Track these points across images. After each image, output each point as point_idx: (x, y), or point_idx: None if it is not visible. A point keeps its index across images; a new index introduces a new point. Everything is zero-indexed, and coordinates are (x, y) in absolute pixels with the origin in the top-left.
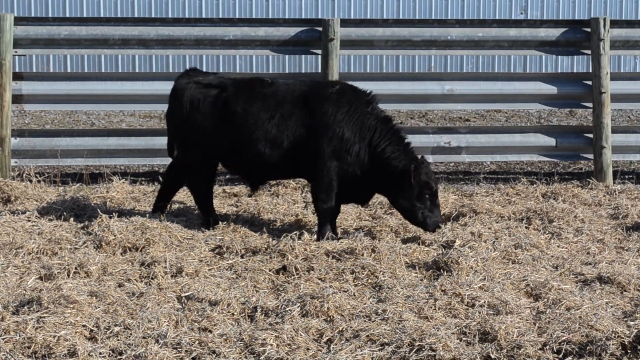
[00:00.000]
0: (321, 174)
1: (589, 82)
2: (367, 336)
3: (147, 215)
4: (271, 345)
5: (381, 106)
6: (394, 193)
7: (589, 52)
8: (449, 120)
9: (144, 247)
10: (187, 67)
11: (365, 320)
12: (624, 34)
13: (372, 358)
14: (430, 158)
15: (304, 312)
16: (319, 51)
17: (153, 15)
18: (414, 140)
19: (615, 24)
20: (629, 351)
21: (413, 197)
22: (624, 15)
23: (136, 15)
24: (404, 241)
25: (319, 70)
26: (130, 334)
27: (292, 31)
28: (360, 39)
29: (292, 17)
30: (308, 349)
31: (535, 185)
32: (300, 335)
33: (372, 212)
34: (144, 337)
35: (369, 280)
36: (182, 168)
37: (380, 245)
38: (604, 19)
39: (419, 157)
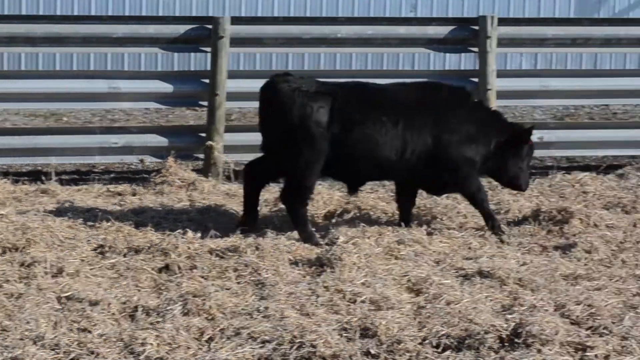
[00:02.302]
0: (467, 178)
1: (476, 80)
2: (248, 334)
3: (29, 215)
4: (151, 344)
5: None
6: (501, 164)
7: (476, 49)
8: None
9: (24, 247)
10: (278, 71)
11: (246, 318)
12: (511, 31)
13: (253, 355)
14: None
15: (186, 310)
16: (209, 49)
17: (41, 13)
18: None
19: (502, 22)
20: (506, 344)
21: (522, 161)
22: (511, 13)
23: (23, 13)
24: (288, 238)
25: (208, 68)
26: (7, 336)
27: (181, 29)
28: (250, 36)
29: (183, 14)
30: (189, 348)
31: None
32: (181, 334)
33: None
34: (21, 339)
35: (252, 278)
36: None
37: (264, 243)
38: (492, 17)
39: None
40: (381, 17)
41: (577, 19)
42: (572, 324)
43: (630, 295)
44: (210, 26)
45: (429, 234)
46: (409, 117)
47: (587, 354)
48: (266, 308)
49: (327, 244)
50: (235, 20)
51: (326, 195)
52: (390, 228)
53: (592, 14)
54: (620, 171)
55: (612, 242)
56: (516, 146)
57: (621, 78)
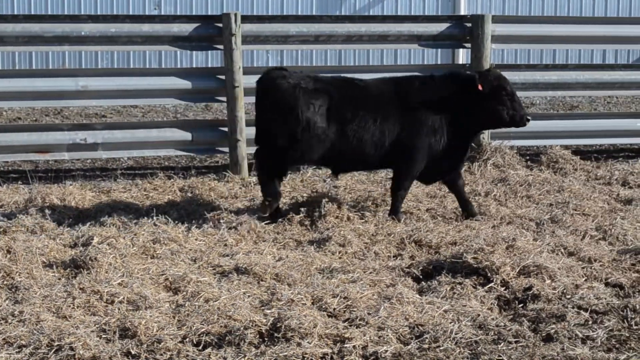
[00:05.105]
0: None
1: (223, 77)
2: (4, 339)
3: None
4: None
5: (13, 103)
6: None
7: (222, 47)
8: (85, 117)
9: None
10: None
11: (1, 323)
12: (255, 29)
13: None
14: (66, 155)
15: None
16: None
17: None
18: (49, 137)
19: (246, 19)
20: (266, 339)
21: None
22: (256, 11)
23: None
24: (41, 240)
25: None
26: None
27: None
28: None
29: None
30: None
31: (172, 180)
32: None
33: None
34: None
35: (5, 282)
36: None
37: (15, 246)
38: (235, 15)
39: None
40: (124, 15)
41: (319, 16)
42: (329, 316)
43: (385, 286)
44: None
45: (185, 231)
46: (384, 114)
47: (346, 345)
48: (21, 312)
49: (81, 245)
50: None
51: (78, 196)
52: (145, 227)
53: (334, 11)
54: None
55: (365, 235)
56: None
57: (365, 74)
